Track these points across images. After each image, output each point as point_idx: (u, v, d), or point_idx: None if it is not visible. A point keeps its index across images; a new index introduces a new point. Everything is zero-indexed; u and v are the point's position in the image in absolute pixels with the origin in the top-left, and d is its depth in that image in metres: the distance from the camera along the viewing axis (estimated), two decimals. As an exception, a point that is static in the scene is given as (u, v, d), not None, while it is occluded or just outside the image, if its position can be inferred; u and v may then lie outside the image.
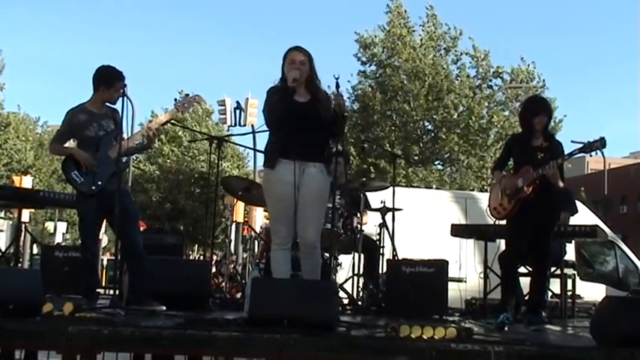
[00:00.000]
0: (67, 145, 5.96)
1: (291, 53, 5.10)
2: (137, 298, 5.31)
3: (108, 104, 5.82)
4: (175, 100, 5.99)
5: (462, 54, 26.22)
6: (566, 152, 5.66)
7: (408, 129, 25.60)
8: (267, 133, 5.22)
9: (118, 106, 5.67)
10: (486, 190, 19.31)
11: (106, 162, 5.63)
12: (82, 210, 5.78)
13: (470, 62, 26.22)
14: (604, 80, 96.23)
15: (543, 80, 25.92)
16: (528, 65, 26.02)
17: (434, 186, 23.32)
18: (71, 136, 5.86)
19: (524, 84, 25.30)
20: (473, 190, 22.65)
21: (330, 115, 5.04)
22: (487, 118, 24.79)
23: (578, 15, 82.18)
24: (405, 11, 26.51)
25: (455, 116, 24.60)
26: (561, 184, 5.65)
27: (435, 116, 24.98)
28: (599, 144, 5.44)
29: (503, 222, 6.03)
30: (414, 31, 26.29)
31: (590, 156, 5.86)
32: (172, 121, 6.87)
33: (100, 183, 5.60)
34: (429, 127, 25.89)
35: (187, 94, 6.13)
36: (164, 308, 5.25)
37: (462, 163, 25.42)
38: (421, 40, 26.01)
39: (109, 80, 5.70)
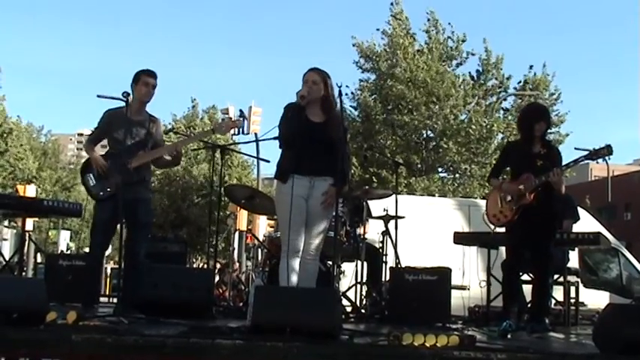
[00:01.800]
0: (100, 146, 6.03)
1: (306, 74, 5.29)
2: (124, 307, 5.31)
3: (150, 112, 5.84)
4: (212, 121, 6.03)
5: (468, 55, 26.18)
6: (569, 159, 5.69)
7: (410, 138, 25.58)
8: (279, 146, 5.31)
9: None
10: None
11: (123, 171, 5.63)
12: (95, 215, 5.84)
13: (477, 65, 26.23)
14: (608, 87, 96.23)
15: (559, 94, 25.92)
16: (547, 75, 25.99)
17: (436, 195, 23.28)
18: (103, 136, 5.92)
19: (535, 92, 25.26)
20: (476, 198, 22.60)
21: (342, 137, 5.17)
22: (487, 126, 24.76)
23: (583, 21, 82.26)
24: (407, 18, 26.45)
25: (455, 125, 24.57)
26: (563, 190, 5.67)
27: (435, 125, 24.97)
28: (606, 151, 5.45)
29: (502, 229, 6.02)
30: (414, 39, 26.20)
31: (597, 163, 5.87)
32: (174, 131, 6.93)
33: (109, 190, 5.63)
34: (431, 135, 25.86)
35: (230, 118, 6.16)
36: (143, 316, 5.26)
37: (465, 172, 25.38)
38: (421, 49, 25.93)
39: (135, 76, 5.79)
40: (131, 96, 5.71)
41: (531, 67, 26.26)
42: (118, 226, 5.78)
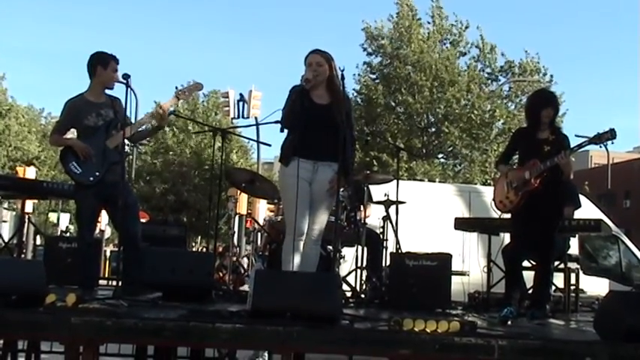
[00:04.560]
0: (67, 135, 5.94)
1: (309, 56, 5.25)
2: (132, 288, 5.30)
3: (108, 93, 5.79)
4: (176, 87, 5.94)
5: (471, 45, 26.26)
6: (573, 145, 5.67)
7: (412, 122, 25.61)
8: (280, 130, 5.28)
9: (121, 96, 5.65)
10: (490, 184, 19.30)
11: (104, 152, 5.60)
12: (79, 200, 5.76)
13: (476, 55, 26.28)
14: (607, 74, 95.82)
15: (551, 75, 26.04)
16: (532, 58, 26.11)
17: (437, 180, 23.35)
18: (70, 126, 5.83)
19: (529, 77, 25.33)
20: (476, 183, 22.66)
21: (348, 119, 5.15)
22: (490, 112, 24.80)
23: (581, 9, 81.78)
24: (412, 4, 26.49)
25: (457, 110, 24.60)
26: (572, 175, 5.67)
27: (438, 109, 24.99)
28: (609, 135, 5.45)
29: (508, 215, 6.02)
30: (420, 23, 26.26)
31: (600, 147, 5.84)
32: (177, 113, 6.85)
33: (97, 174, 5.58)
34: (432, 120, 25.91)
35: (188, 82, 6.08)
36: (160, 294, 5.25)
37: (466, 157, 25.43)
38: (428, 33, 26.02)
39: (104, 60, 5.69)
40: (96, 78, 5.68)
41: (503, 54, 26.41)
42: (107, 210, 5.77)
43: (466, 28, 26.40)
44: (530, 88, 24.19)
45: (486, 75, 26.38)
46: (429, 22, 26.43)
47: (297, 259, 5.14)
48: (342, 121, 5.01)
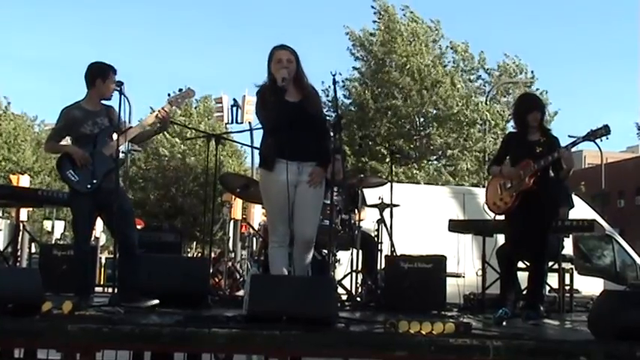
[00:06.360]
0: (62, 143, 5.94)
1: (276, 52, 5.08)
2: (128, 295, 5.30)
3: (103, 102, 5.80)
4: (169, 94, 5.93)
5: (447, 47, 26.63)
6: (564, 145, 5.69)
7: (403, 125, 25.75)
8: (262, 133, 5.22)
9: (115, 104, 5.66)
10: (482, 186, 19.37)
11: (100, 160, 5.61)
12: (75, 208, 5.75)
13: (453, 57, 26.61)
14: (600, 73, 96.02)
15: (532, 72, 26.37)
16: (514, 61, 26.42)
17: (422, 183, 23.41)
18: (66, 134, 5.83)
19: (514, 78, 25.62)
20: (463, 185, 22.77)
21: (320, 112, 5.06)
22: (478, 112, 24.99)
23: (574, 6, 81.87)
24: (393, 7, 26.86)
25: (446, 111, 24.79)
26: (571, 173, 5.69)
27: (427, 112, 25.20)
28: (604, 131, 5.48)
29: (502, 217, 6.04)
30: (400, 30, 26.55)
31: (596, 143, 5.87)
32: (171, 120, 6.81)
33: (95, 181, 5.58)
34: (423, 122, 26.06)
35: (180, 89, 6.04)
36: (157, 302, 5.26)
37: (453, 157, 25.56)
38: (410, 41, 26.27)
39: (104, 72, 5.68)
40: (94, 89, 5.66)
41: (506, 54, 26.61)
42: (103, 217, 5.78)
43: (438, 21, 26.96)
44: (514, 88, 24.63)
45: (468, 72, 26.62)
46: (407, 25, 26.67)
47: (284, 267, 5.09)
48: (320, 114, 4.98)
